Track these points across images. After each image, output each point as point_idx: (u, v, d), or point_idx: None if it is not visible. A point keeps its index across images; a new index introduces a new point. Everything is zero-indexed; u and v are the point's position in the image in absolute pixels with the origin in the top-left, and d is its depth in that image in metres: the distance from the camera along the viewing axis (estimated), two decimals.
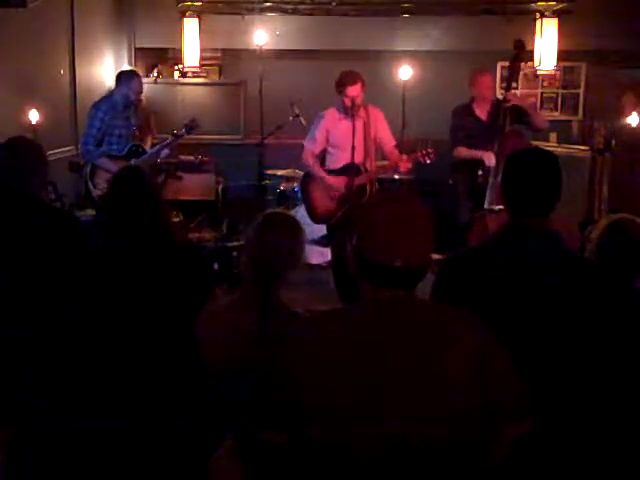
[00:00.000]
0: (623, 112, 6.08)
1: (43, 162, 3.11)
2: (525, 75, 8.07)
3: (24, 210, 2.97)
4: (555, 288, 2.16)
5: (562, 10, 7.75)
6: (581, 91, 8.27)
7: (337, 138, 5.11)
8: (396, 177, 6.44)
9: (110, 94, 5.63)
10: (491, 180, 5.09)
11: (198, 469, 2.34)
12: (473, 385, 1.69)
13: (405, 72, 7.38)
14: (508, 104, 5.25)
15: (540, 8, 7.80)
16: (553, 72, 7.95)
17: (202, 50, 7.96)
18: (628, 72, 7.64)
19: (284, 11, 7.91)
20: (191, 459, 2.42)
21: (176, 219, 5.64)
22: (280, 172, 6.84)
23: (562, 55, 7.88)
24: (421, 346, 1.70)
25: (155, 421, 2.52)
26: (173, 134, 5.55)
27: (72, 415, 2.61)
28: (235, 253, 5.36)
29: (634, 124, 5.39)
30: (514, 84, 5.59)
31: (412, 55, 7.63)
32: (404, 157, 5.05)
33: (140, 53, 8.22)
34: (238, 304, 2.43)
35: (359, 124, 5.00)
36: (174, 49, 8.09)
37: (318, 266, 6.22)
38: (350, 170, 5.07)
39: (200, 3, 7.85)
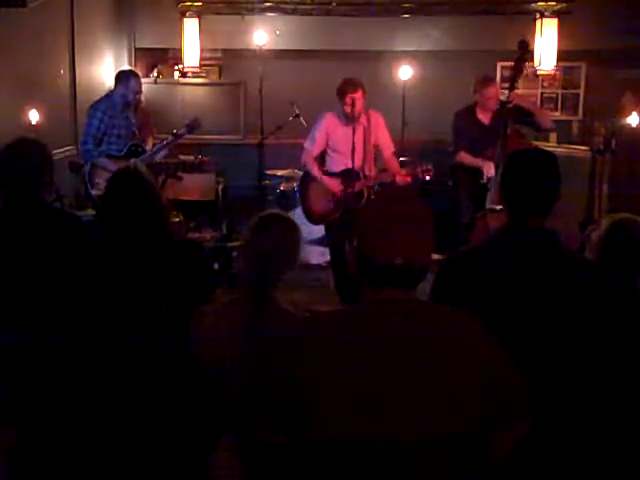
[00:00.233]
0: (623, 112, 6.08)
1: (49, 163, 3.09)
2: (525, 75, 8.07)
3: (28, 212, 2.96)
4: (554, 288, 2.16)
5: (562, 10, 7.76)
6: (581, 91, 8.27)
7: (337, 142, 5.11)
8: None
9: (109, 94, 5.62)
10: (493, 180, 5.09)
11: (198, 469, 2.34)
12: (473, 385, 1.69)
13: (405, 72, 7.39)
14: (511, 104, 5.24)
15: (540, 8, 7.80)
16: (553, 72, 7.96)
17: (202, 50, 7.97)
18: (628, 72, 7.64)
19: (284, 11, 7.91)
20: (191, 459, 2.42)
21: (176, 219, 5.64)
22: (280, 172, 6.84)
23: (562, 55, 7.89)
24: (421, 347, 1.70)
25: (155, 421, 2.52)
26: (173, 133, 5.54)
27: (72, 414, 2.61)
28: (235, 253, 5.36)
29: (634, 124, 5.39)
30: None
31: (412, 55, 7.64)
32: (403, 172, 5.05)
33: (140, 53, 8.22)
34: (235, 305, 2.43)
35: (359, 130, 5.00)
36: (174, 49, 8.10)
37: (318, 266, 6.22)
38: (349, 175, 5.07)
39: (200, 3, 7.85)
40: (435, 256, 1.82)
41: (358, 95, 4.87)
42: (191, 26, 7.90)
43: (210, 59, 8.23)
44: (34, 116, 5.34)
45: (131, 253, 2.69)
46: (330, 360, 1.69)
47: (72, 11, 6.65)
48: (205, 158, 7.01)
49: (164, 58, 8.33)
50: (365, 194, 5.00)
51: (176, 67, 8.15)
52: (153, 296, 2.65)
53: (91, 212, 5.31)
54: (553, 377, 2.12)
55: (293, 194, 6.51)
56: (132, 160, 5.25)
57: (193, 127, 5.56)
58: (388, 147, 5.22)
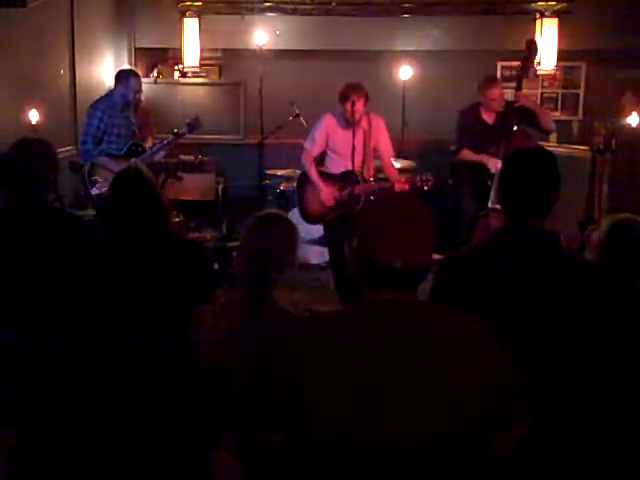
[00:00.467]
0: (623, 112, 6.08)
1: (52, 163, 3.09)
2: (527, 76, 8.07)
3: (28, 211, 2.96)
4: (554, 288, 2.16)
5: (562, 10, 7.76)
6: (581, 91, 8.27)
7: (337, 144, 5.11)
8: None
9: (108, 93, 5.62)
10: (495, 179, 5.08)
11: (198, 469, 2.34)
12: (473, 385, 1.69)
13: (405, 72, 7.39)
14: (517, 104, 5.23)
15: (540, 8, 7.80)
16: (553, 72, 7.96)
17: (202, 50, 7.97)
18: (628, 72, 7.64)
19: (284, 11, 7.91)
20: (191, 459, 2.42)
21: (176, 219, 5.64)
22: (280, 172, 6.84)
23: (562, 55, 7.89)
24: (421, 347, 1.70)
25: (155, 420, 2.52)
26: (174, 133, 5.54)
27: (72, 414, 2.61)
28: (235, 253, 5.36)
29: (634, 124, 5.39)
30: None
31: (412, 55, 7.64)
32: (402, 179, 5.04)
33: (140, 53, 8.22)
34: (234, 305, 2.43)
35: (359, 133, 5.00)
36: (174, 49, 8.10)
37: (318, 266, 6.22)
38: (348, 177, 5.07)
39: (200, 3, 7.85)
40: (436, 256, 1.82)
41: (359, 101, 4.86)
42: (191, 26, 7.90)
43: (210, 59, 8.23)
44: (34, 116, 5.34)
45: (132, 253, 2.69)
46: (330, 360, 1.69)
47: (72, 11, 6.65)
48: (205, 158, 7.00)
49: (164, 58, 8.33)
50: (362, 198, 4.99)
51: (176, 67, 8.15)
52: (153, 296, 2.65)
53: (91, 212, 5.31)
54: (553, 377, 2.12)
55: (293, 194, 6.51)
56: (132, 160, 5.26)
57: (194, 126, 5.55)
58: (387, 152, 5.21)
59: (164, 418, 2.51)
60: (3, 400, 2.76)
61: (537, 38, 7.68)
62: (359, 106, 4.86)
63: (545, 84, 8.25)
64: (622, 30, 7.52)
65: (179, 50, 7.95)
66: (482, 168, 5.31)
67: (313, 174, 5.16)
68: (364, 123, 5.03)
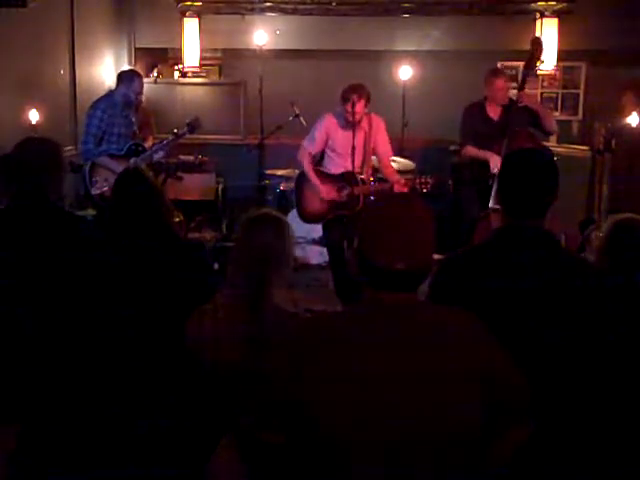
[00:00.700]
0: (623, 112, 6.07)
1: (56, 163, 3.08)
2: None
3: (30, 210, 2.96)
4: (553, 289, 2.16)
5: (562, 10, 7.76)
6: (581, 91, 8.27)
7: (336, 143, 5.10)
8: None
9: (109, 93, 5.62)
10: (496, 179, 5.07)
11: (198, 469, 2.34)
12: (473, 386, 1.69)
13: (405, 72, 7.39)
14: (521, 104, 5.23)
15: (540, 8, 7.80)
16: (553, 72, 7.96)
17: (202, 50, 7.97)
18: (628, 72, 7.64)
19: (284, 11, 7.91)
20: (191, 459, 2.42)
21: (176, 219, 5.63)
22: (280, 172, 6.84)
23: (562, 55, 7.89)
24: (421, 348, 1.70)
25: (155, 420, 2.52)
26: (174, 133, 5.54)
27: (72, 414, 2.61)
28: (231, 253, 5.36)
29: (634, 124, 5.39)
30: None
31: (412, 55, 7.64)
32: (401, 181, 5.04)
33: (140, 53, 8.22)
34: (233, 305, 2.43)
35: (360, 133, 4.99)
36: (174, 49, 8.10)
37: (318, 266, 6.22)
38: (348, 178, 5.06)
39: (200, 3, 7.85)
40: (436, 256, 1.82)
41: (360, 102, 4.85)
42: (191, 26, 7.91)
43: (210, 59, 8.23)
44: (34, 116, 5.34)
45: (133, 253, 2.69)
46: (330, 360, 1.69)
47: (72, 11, 6.65)
48: (205, 158, 7.00)
49: (164, 58, 8.33)
50: (361, 200, 4.99)
51: (176, 67, 8.16)
52: (154, 296, 2.65)
53: (91, 212, 5.31)
54: (553, 379, 2.12)
55: (292, 194, 6.52)
56: (132, 159, 5.26)
57: (194, 127, 5.56)
58: (386, 153, 5.21)
59: (164, 418, 2.51)
60: (3, 400, 2.76)
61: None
62: (359, 107, 4.85)
63: (545, 84, 8.25)
64: (622, 30, 7.51)
65: (179, 50, 7.95)
66: (483, 168, 5.31)
67: (310, 173, 5.15)
68: (364, 123, 5.03)
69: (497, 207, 4.79)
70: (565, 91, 8.29)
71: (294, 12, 7.90)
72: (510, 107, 5.34)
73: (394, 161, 5.90)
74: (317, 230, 5.83)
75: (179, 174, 6.39)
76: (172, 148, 5.83)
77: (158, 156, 5.54)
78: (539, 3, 7.78)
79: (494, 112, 5.50)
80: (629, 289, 2.45)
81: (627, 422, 2.26)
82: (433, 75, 7.70)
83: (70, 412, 2.62)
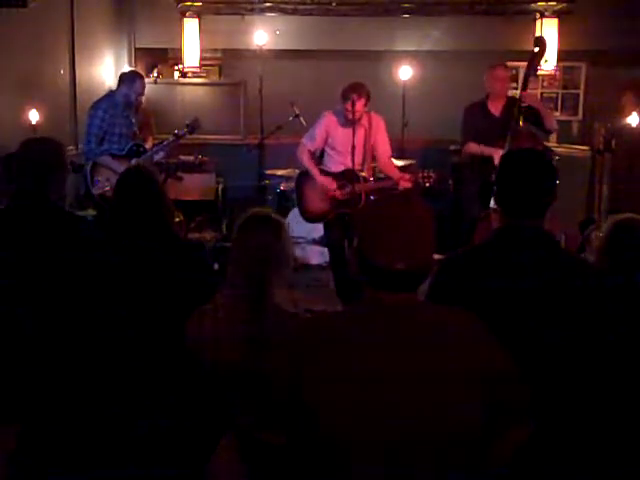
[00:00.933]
0: (623, 112, 6.07)
1: (58, 163, 3.08)
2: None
3: (30, 210, 2.96)
4: (552, 290, 2.16)
5: (562, 10, 7.76)
6: (581, 91, 8.27)
7: (336, 141, 5.10)
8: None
9: (111, 94, 5.63)
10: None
11: (198, 469, 2.34)
12: (474, 386, 1.69)
13: (405, 72, 7.39)
14: (524, 104, 5.23)
15: (540, 8, 7.80)
16: (553, 72, 7.96)
17: (202, 50, 7.97)
18: (628, 72, 7.64)
19: (284, 11, 7.91)
20: (191, 459, 2.42)
21: (176, 219, 5.64)
22: (280, 172, 6.84)
23: (562, 55, 7.89)
24: (421, 348, 1.70)
25: (155, 420, 2.52)
26: (175, 134, 5.55)
27: (72, 414, 2.61)
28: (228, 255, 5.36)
29: (634, 124, 5.39)
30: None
31: (412, 55, 7.64)
32: (406, 176, 5.04)
33: (140, 53, 8.22)
34: (233, 305, 2.42)
35: (360, 131, 5.00)
36: (174, 49, 8.11)
37: (318, 266, 6.22)
38: (349, 176, 5.06)
39: (200, 3, 7.85)
40: (436, 256, 1.82)
41: (360, 101, 4.86)
42: (191, 26, 7.91)
43: (210, 59, 8.24)
44: (34, 116, 5.34)
45: (133, 253, 2.69)
46: (330, 361, 1.69)
47: (72, 11, 6.65)
48: (205, 158, 7.01)
49: (164, 58, 8.34)
50: (363, 197, 4.99)
51: (176, 67, 8.16)
52: (154, 296, 2.65)
53: (92, 212, 5.31)
54: (553, 379, 2.12)
55: (293, 194, 6.52)
56: (134, 160, 5.26)
57: (193, 128, 5.56)
58: (386, 151, 5.20)
59: (164, 418, 2.51)
60: (3, 400, 2.76)
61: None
62: (359, 106, 4.86)
63: (545, 84, 8.26)
64: (622, 30, 7.52)
65: (179, 50, 7.96)
66: (485, 165, 5.31)
67: (309, 164, 5.14)
68: (365, 122, 5.03)
69: (497, 207, 4.82)
70: (565, 91, 8.30)
71: (294, 12, 7.90)
72: (511, 104, 5.35)
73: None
74: (317, 230, 5.84)
75: (179, 174, 6.39)
76: (172, 148, 5.83)
77: (158, 157, 5.54)
78: (539, 3, 7.79)
79: (495, 108, 5.51)
80: (629, 289, 2.45)
81: (627, 422, 2.26)
82: (433, 75, 7.70)
83: (70, 412, 2.62)
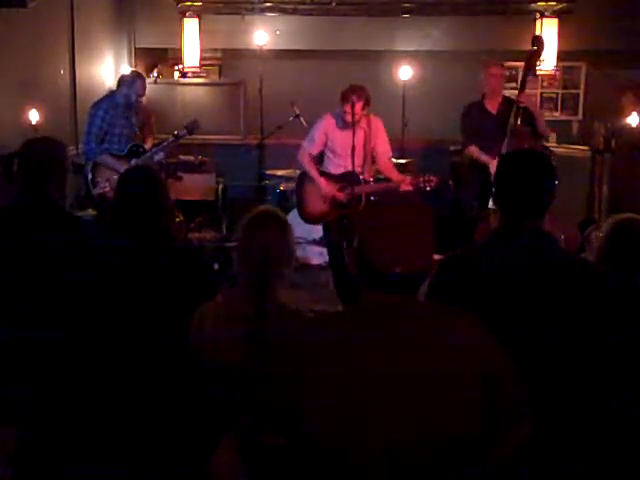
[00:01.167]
0: (623, 112, 6.08)
1: (60, 166, 3.08)
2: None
3: (30, 209, 2.96)
4: (552, 290, 2.15)
5: (562, 10, 7.77)
6: (581, 91, 8.28)
7: (336, 144, 5.10)
8: None
9: (111, 94, 5.63)
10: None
11: (198, 469, 2.34)
12: (473, 386, 1.69)
13: (405, 72, 7.39)
14: (521, 104, 5.23)
15: (540, 8, 7.81)
16: (553, 72, 7.96)
17: (202, 50, 7.98)
18: (628, 72, 7.64)
19: (284, 11, 7.92)
20: (191, 459, 2.43)
21: (176, 219, 5.64)
22: (280, 172, 6.84)
23: (562, 55, 7.90)
24: (421, 348, 1.70)
25: (155, 420, 2.52)
26: (174, 134, 5.55)
27: (72, 414, 2.61)
28: (235, 253, 5.36)
29: (634, 124, 5.39)
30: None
31: (412, 55, 7.64)
32: (407, 180, 5.04)
33: (140, 53, 8.23)
34: (234, 305, 2.42)
35: (360, 133, 4.99)
36: (174, 49, 8.11)
37: (318, 266, 6.22)
38: (349, 178, 5.06)
39: (200, 3, 7.86)
40: (436, 256, 1.82)
41: (359, 103, 4.86)
42: (191, 26, 7.91)
43: (210, 59, 8.24)
44: (34, 116, 5.34)
45: (133, 253, 2.69)
46: (330, 361, 1.69)
47: (72, 11, 6.66)
48: (205, 158, 7.01)
49: (164, 58, 8.34)
50: (363, 199, 4.99)
51: (176, 67, 8.16)
52: (154, 296, 2.65)
53: (92, 212, 5.31)
54: (553, 380, 2.12)
55: (293, 194, 6.52)
56: (134, 160, 5.27)
57: (193, 128, 5.56)
58: (386, 152, 5.20)
59: (164, 418, 2.52)
60: (3, 400, 2.76)
61: None
62: (358, 108, 4.86)
63: (545, 84, 8.26)
64: (622, 30, 7.52)
65: (179, 50, 7.96)
66: (483, 168, 5.32)
67: (310, 167, 5.15)
68: (364, 123, 5.03)
69: (496, 208, 4.82)
70: (565, 91, 8.30)
71: (294, 12, 7.91)
72: (508, 103, 5.37)
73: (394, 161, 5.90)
74: (317, 230, 5.83)
75: (179, 174, 6.40)
76: (172, 148, 5.83)
77: (158, 157, 5.54)
78: (539, 3, 7.79)
79: (492, 106, 5.54)
80: (629, 289, 2.45)
81: (627, 422, 2.26)
82: (433, 75, 7.70)
83: (69, 412, 2.62)
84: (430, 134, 7.51)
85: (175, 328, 2.50)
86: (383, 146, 5.17)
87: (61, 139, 3.33)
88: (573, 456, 2.16)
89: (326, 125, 5.11)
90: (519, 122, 5.20)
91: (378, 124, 5.14)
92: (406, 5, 7.83)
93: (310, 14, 7.91)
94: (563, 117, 8.22)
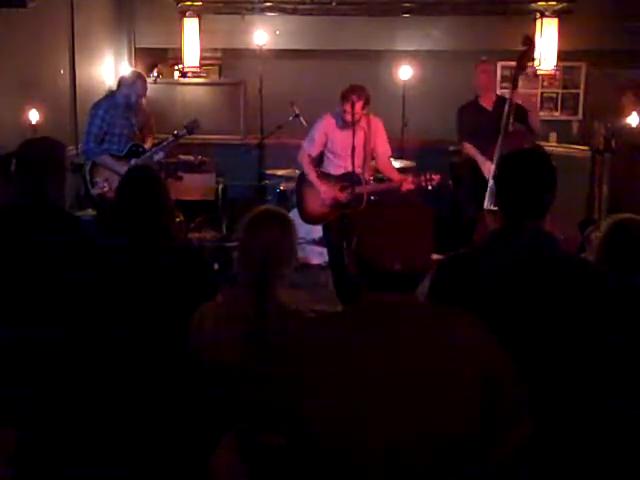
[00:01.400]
0: (623, 112, 6.08)
1: (58, 166, 3.08)
2: (525, 75, 8.08)
3: (29, 209, 2.96)
4: (551, 290, 2.15)
5: (562, 10, 7.76)
6: (581, 91, 8.27)
7: (335, 144, 5.10)
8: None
9: (111, 94, 5.63)
10: (491, 181, 5.10)
11: (198, 469, 2.34)
12: (473, 386, 1.69)
13: (405, 72, 7.39)
14: (515, 102, 5.26)
15: (540, 8, 7.80)
16: (553, 72, 7.96)
17: (202, 50, 7.97)
18: (628, 72, 7.64)
19: (284, 11, 7.91)
20: (191, 459, 2.43)
21: (176, 219, 5.63)
22: (280, 172, 6.84)
23: (562, 55, 7.89)
24: (421, 348, 1.70)
25: (155, 420, 2.52)
26: (174, 134, 5.55)
27: (72, 414, 2.61)
28: (235, 253, 5.36)
29: (634, 124, 5.39)
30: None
31: (412, 55, 7.64)
32: (408, 178, 5.04)
33: (140, 53, 8.22)
34: (234, 305, 2.42)
35: (359, 133, 4.99)
36: (174, 49, 8.10)
37: (318, 266, 6.22)
38: (350, 178, 5.06)
39: (200, 3, 7.85)
40: (436, 256, 1.82)
41: (358, 103, 4.86)
42: (191, 26, 7.91)
43: (210, 59, 8.23)
44: (34, 116, 5.34)
45: (133, 253, 2.69)
46: (330, 361, 1.69)
47: (72, 11, 6.65)
48: (205, 158, 7.00)
49: (164, 58, 8.33)
50: (364, 199, 4.99)
51: (176, 67, 8.16)
52: (154, 296, 2.65)
53: (91, 212, 5.31)
54: (553, 380, 2.12)
55: (293, 194, 6.52)
56: (133, 160, 5.26)
57: (192, 128, 5.56)
58: (386, 152, 5.20)
59: (164, 418, 2.52)
60: (3, 400, 2.76)
61: (537, 38, 7.68)
62: (358, 108, 4.86)
63: (545, 84, 8.26)
64: (622, 30, 7.52)
65: (179, 50, 7.95)
66: (478, 168, 5.33)
67: (311, 174, 5.15)
68: (364, 123, 5.03)
69: (492, 208, 4.84)
70: (565, 91, 8.30)
71: (294, 12, 7.91)
72: (502, 101, 5.40)
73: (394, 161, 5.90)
74: (317, 230, 5.83)
75: (179, 174, 6.39)
76: (172, 148, 5.83)
77: (158, 157, 5.54)
78: (539, 3, 7.79)
79: (487, 103, 5.60)
80: (629, 289, 2.45)
81: (627, 422, 2.26)
82: (433, 75, 7.70)
83: (69, 412, 2.62)
84: (430, 134, 7.50)
85: (175, 328, 2.50)
86: (383, 146, 5.17)
87: (61, 139, 3.33)
88: (573, 456, 2.16)
89: (326, 125, 5.10)
90: (512, 120, 5.23)
91: (378, 124, 5.14)
92: (406, 5, 7.83)
93: (310, 14, 7.91)
94: (563, 117, 8.22)
